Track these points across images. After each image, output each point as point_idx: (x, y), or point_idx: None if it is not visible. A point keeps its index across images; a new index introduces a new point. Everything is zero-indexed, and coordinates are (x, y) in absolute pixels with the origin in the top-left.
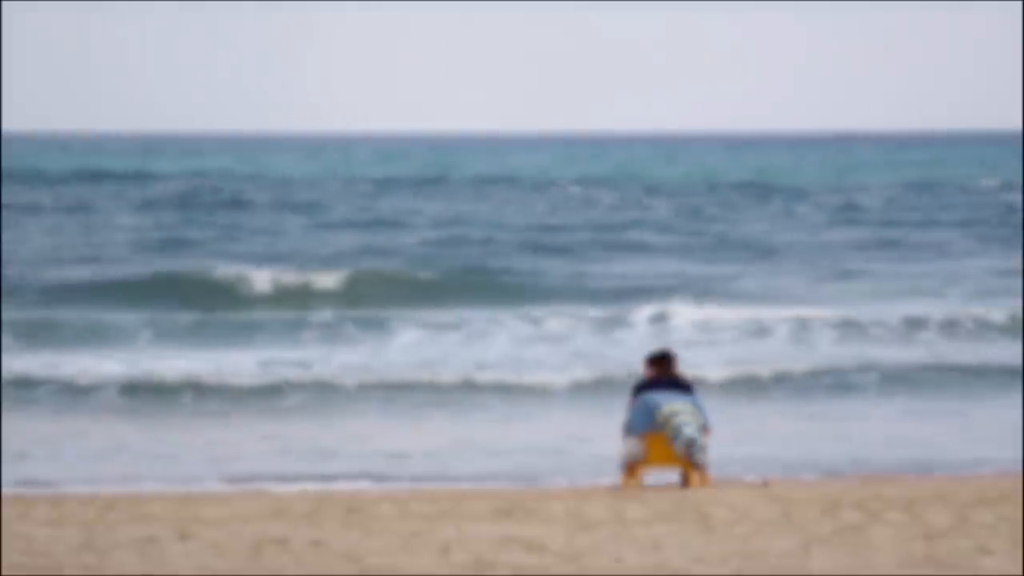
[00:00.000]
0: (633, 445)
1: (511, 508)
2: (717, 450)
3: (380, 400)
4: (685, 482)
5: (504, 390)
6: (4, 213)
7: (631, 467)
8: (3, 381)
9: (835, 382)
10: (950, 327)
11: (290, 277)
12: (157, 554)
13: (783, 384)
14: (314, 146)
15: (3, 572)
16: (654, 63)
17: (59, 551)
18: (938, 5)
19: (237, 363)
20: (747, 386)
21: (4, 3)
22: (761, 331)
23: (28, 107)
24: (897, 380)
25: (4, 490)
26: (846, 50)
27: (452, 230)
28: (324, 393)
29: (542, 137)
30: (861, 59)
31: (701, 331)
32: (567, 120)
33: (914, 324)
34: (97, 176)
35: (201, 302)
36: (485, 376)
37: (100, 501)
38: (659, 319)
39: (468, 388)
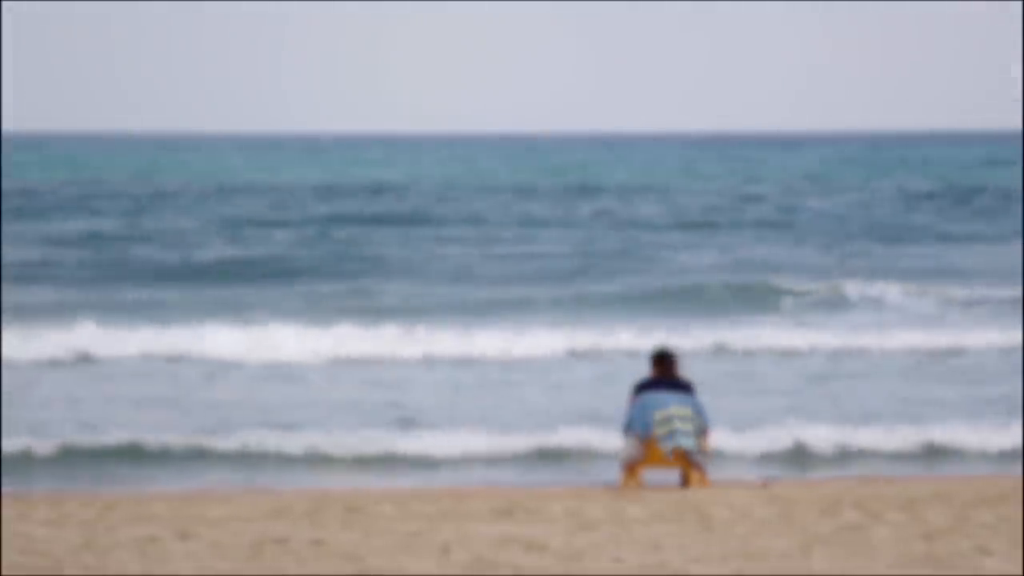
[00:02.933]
0: (632, 445)
1: (511, 508)
2: None
3: None
4: (685, 482)
5: None
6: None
7: (631, 467)
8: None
9: None
10: None
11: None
12: (157, 554)
13: None
14: (310, 147)
15: (3, 572)
16: (654, 65)
17: (59, 551)
18: (938, 5)
19: None
20: None
21: (4, 3)
22: None
23: (28, 107)
24: None
25: (4, 490)
26: (838, 49)
27: None
28: None
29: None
30: (854, 59)
31: None
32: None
33: None
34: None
35: None
36: None
37: (100, 501)
38: None
39: None
